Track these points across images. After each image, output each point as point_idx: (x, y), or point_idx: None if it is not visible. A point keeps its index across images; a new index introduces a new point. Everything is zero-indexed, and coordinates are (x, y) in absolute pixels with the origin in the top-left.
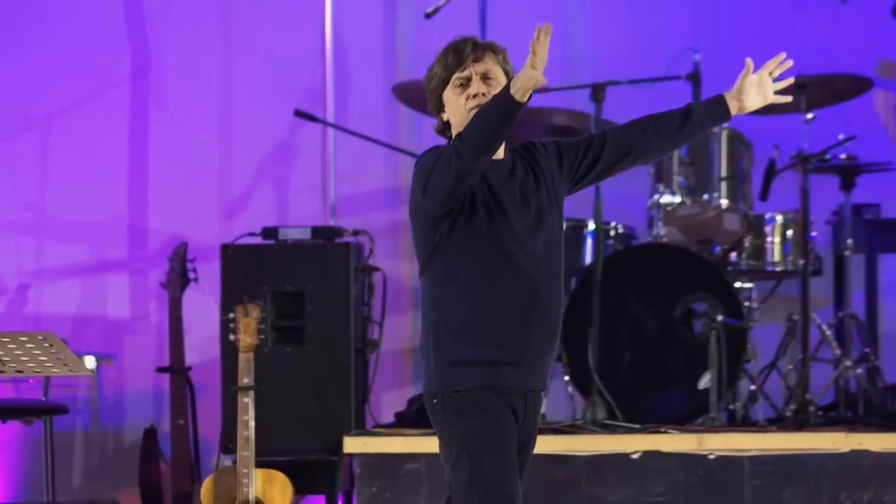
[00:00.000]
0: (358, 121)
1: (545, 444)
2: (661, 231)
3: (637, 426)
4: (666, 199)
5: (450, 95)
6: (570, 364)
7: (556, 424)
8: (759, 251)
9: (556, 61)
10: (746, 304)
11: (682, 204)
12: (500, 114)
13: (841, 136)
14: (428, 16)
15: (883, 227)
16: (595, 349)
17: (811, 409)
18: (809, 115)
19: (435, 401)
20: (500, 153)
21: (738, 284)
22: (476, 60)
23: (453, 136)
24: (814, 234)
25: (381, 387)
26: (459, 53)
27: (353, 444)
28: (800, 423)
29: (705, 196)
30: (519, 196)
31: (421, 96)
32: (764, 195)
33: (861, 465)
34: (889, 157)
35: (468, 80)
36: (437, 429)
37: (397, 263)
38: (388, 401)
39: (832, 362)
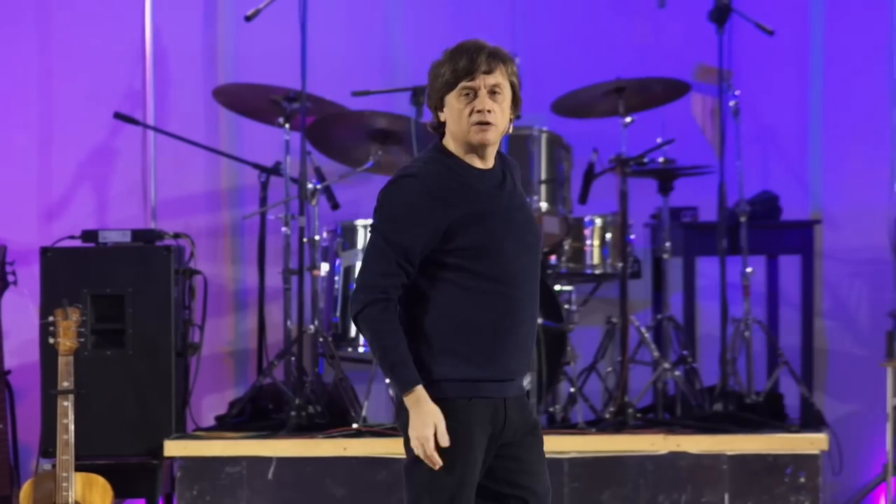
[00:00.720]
0: (178, 123)
1: (366, 448)
2: None
3: None
4: None
5: (453, 102)
6: None
7: (377, 427)
8: (579, 254)
9: (375, 64)
10: (566, 306)
11: None
12: (385, 371)
13: (659, 140)
14: (248, 18)
15: (700, 230)
16: None
17: (630, 411)
18: (628, 119)
19: None
20: (488, 162)
21: (557, 287)
22: (487, 72)
23: (446, 134)
24: (632, 236)
25: (201, 390)
26: (472, 62)
27: (174, 448)
28: (618, 425)
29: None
30: (506, 213)
31: (241, 99)
32: (583, 198)
33: (679, 466)
34: (706, 161)
35: (475, 91)
36: (406, 435)
37: (218, 266)
38: (209, 404)
39: (651, 364)
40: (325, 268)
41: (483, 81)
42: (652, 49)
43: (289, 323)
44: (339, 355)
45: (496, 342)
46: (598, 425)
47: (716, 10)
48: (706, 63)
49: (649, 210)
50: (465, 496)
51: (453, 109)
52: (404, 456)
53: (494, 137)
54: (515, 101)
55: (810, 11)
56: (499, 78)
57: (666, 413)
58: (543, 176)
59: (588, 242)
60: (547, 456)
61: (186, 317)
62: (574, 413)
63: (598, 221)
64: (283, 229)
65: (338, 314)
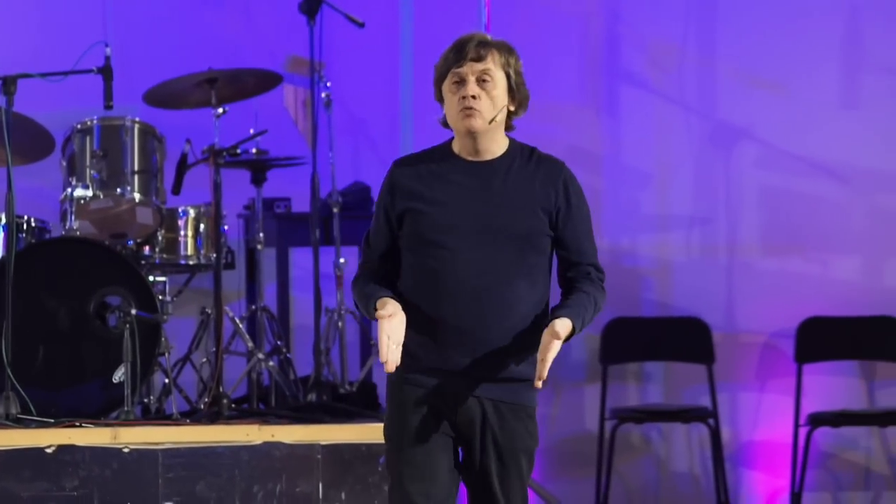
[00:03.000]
0: None
1: None
2: (75, 225)
3: (51, 420)
4: (79, 192)
5: (446, 91)
6: None
7: None
8: (173, 245)
9: None
10: (160, 297)
11: (94, 197)
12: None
13: (252, 131)
14: None
15: (293, 221)
16: (8, 344)
17: (224, 401)
18: (220, 110)
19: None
20: (483, 154)
21: (151, 278)
22: (476, 59)
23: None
24: (226, 227)
25: None
26: (460, 51)
27: None
28: (213, 415)
29: (118, 190)
30: (471, 208)
31: None
32: (176, 189)
33: (274, 456)
34: (299, 152)
35: (463, 78)
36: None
37: None
38: None
39: (245, 355)
40: None
41: (471, 68)
42: (244, 40)
43: None
44: None
45: (430, 332)
46: (192, 416)
47: (306, 1)
48: (298, 54)
49: (243, 201)
50: (407, 475)
51: (447, 99)
52: None
53: (480, 125)
54: (513, 93)
55: (400, 4)
56: (489, 65)
57: (261, 403)
58: (137, 167)
59: (182, 233)
60: (141, 447)
61: None
62: (168, 404)
63: (192, 212)
64: None
65: None
